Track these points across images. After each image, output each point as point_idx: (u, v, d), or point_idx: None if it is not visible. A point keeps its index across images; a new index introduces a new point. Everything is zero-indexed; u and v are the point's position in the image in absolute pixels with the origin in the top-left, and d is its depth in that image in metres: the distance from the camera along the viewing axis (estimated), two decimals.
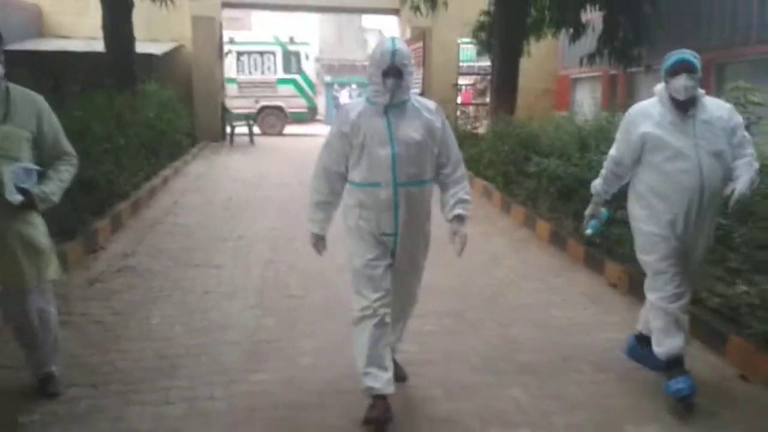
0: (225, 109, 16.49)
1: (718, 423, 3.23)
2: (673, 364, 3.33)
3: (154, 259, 5.99)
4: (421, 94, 14.63)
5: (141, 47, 11.34)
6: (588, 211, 3.80)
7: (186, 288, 5.12)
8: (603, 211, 3.80)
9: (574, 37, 9.93)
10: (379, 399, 3.05)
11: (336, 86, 27.79)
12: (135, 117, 8.67)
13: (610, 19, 9.74)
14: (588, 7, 9.83)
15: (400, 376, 3.45)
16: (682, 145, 3.24)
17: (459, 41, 14.65)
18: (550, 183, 6.37)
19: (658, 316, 3.36)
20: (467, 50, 14.84)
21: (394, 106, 3.07)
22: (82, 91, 8.04)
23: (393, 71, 2.98)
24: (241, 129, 16.66)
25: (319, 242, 3.31)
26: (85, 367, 3.70)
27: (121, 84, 9.61)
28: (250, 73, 19.95)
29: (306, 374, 3.65)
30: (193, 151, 13.24)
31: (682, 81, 3.21)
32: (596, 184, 3.70)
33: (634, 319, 4.52)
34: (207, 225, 7.37)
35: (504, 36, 10.26)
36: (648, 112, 3.37)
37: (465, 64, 15.14)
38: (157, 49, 13.71)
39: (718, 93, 10.17)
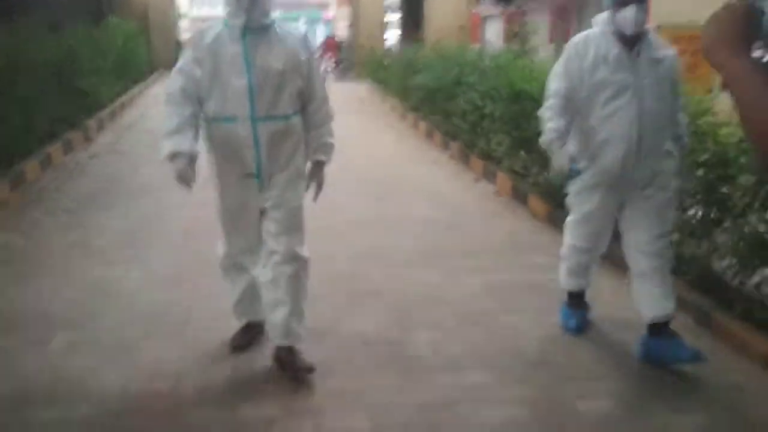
0: (178, 43, 18.41)
1: (501, 223, 5.85)
2: (576, 296, 3.46)
3: (133, 147, 8.34)
4: (350, 27, 16.86)
5: None
6: (558, 161, 3.09)
7: (159, 161, 7.48)
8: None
9: None
10: (248, 326, 3.16)
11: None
12: (108, 45, 10.74)
13: None
14: None
15: (304, 368, 2.85)
16: (625, 83, 2.90)
17: None
18: (419, 90, 8.90)
19: (569, 259, 3.37)
20: None
21: (252, 31, 2.68)
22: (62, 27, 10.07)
23: None
24: None
25: (187, 165, 2.68)
26: (103, 186, 6.11)
27: (94, 19, 11.61)
28: (200, 9, 21.67)
29: None
30: (153, 77, 15.34)
31: (632, 12, 2.82)
32: (551, 127, 3.05)
33: (454, 171, 7.21)
34: None
35: None
36: (591, 43, 2.98)
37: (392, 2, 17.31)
38: None
39: (579, 31, 12.75)
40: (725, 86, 1.16)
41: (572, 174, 3.07)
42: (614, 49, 2.94)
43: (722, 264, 3.63)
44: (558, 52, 12.00)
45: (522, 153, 5.85)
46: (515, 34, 7.65)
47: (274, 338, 2.92)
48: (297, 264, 2.85)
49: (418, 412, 2.69)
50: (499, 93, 6.10)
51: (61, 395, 2.77)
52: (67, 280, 4.01)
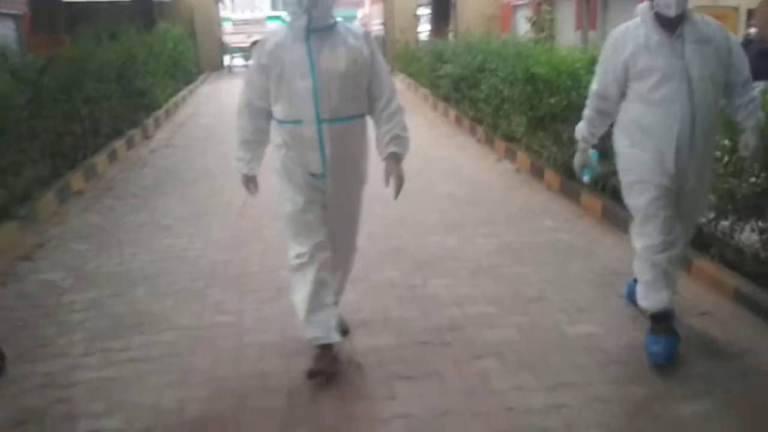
0: (223, 44, 19.44)
1: (489, 178, 6.43)
2: (659, 319, 3.11)
3: (189, 141, 9.16)
4: (383, 24, 17.48)
5: None
6: (577, 162, 3.38)
7: (212, 153, 8.27)
8: (592, 153, 3.37)
9: None
10: (324, 349, 2.95)
11: None
12: (160, 49, 11.65)
13: None
14: None
15: (341, 329, 3.15)
16: (669, 68, 2.86)
17: None
18: (447, 79, 9.47)
19: (645, 269, 3.10)
20: None
21: (316, 32, 2.73)
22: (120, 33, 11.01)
23: None
24: (237, 60, 19.74)
25: (249, 183, 3.02)
26: (163, 175, 6.91)
27: (145, 25, 12.54)
28: (242, 12, 22.66)
29: None
30: (200, 78, 16.29)
31: None
32: (580, 128, 3.27)
33: (478, 153, 7.78)
34: (218, 123, 10.47)
35: None
36: (630, 35, 2.97)
37: None
38: None
39: (604, 18, 13.09)
40: None
41: (587, 176, 3.41)
42: (654, 35, 2.91)
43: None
44: (584, 38, 12.59)
45: (538, 132, 6.38)
46: (534, 22, 8.14)
47: None
48: (352, 255, 3.24)
49: (433, 333, 3.34)
50: (516, 77, 6.64)
51: (148, 327, 3.50)
52: (142, 249, 4.76)
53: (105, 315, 3.68)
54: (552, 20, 7.90)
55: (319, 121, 2.77)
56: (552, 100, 5.76)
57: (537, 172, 6.46)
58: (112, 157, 7.70)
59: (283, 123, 2.84)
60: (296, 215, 2.91)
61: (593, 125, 3.22)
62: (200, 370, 3.07)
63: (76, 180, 6.47)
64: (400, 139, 2.89)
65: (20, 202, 5.37)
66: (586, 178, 3.47)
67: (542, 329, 3.38)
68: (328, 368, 2.91)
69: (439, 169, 7.02)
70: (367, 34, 2.93)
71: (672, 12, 2.82)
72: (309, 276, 2.90)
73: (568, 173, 5.81)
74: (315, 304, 2.91)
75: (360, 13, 25.44)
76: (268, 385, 2.93)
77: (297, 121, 2.79)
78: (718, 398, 2.76)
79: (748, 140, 3.08)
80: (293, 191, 2.89)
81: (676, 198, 3.05)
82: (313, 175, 2.87)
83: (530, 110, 6.36)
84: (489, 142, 8.05)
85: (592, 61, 5.47)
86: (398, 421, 2.65)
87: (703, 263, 3.89)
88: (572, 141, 5.46)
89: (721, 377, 2.91)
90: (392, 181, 2.89)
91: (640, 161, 3.01)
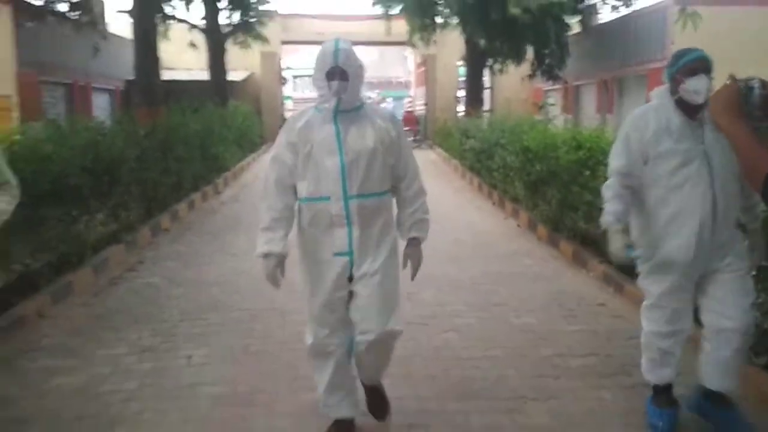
0: (284, 119, 21.81)
1: (492, 231, 7.87)
2: (661, 390, 3.15)
3: (250, 197, 10.94)
4: (426, 104, 19.46)
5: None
6: (615, 245, 3.03)
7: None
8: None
9: (517, 64, 14.64)
10: (339, 422, 3.07)
11: (372, 100, 32.77)
12: (231, 122, 13.77)
13: (538, 52, 14.39)
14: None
15: (382, 410, 3.22)
16: (690, 152, 2.84)
17: (458, 63, 19.41)
18: (471, 152, 11.10)
19: (649, 347, 3.12)
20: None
21: (344, 113, 2.81)
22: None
23: (337, 72, 2.74)
24: None
25: (277, 267, 2.92)
26: (231, 221, 8.61)
27: (220, 102, 14.79)
28: (302, 92, 25.26)
29: None
30: (263, 147, 18.48)
31: (703, 82, 2.77)
32: (610, 211, 3.03)
33: (491, 213, 9.28)
34: None
35: (470, 62, 15.05)
36: (651, 117, 2.95)
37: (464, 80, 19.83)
38: (237, 76, 19.09)
39: (620, 103, 14.65)
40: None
41: (630, 260, 3.06)
42: (676, 118, 2.90)
43: None
44: (602, 119, 14.54)
45: (532, 194, 7.84)
46: (540, 106, 9.74)
47: (360, 376, 3.18)
48: (392, 339, 2.99)
49: (417, 318, 4.76)
50: (516, 149, 8.18)
51: (222, 309, 5.06)
52: (215, 267, 6.38)
53: (190, 301, 5.26)
54: (553, 105, 9.45)
55: (347, 197, 2.81)
56: (539, 167, 7.24)
57: (532, 227, 7.87)
58: (191, 206, 9.51)
59: (309, 200, 2.87)
60: (317, 299, 2.93)
61: (624, 201, 3.03)
62: (257, 330, 4.60)
63: (164, 220, 8.24)
64: (423, 223, 3.00)
65: (126, 231, 7.12)
66: (634, 254, 3.09)
67: (495, 320, 4.77)
68: None
69: (455, 223, 8.51)
70: (393, 116, 3.09)
71: (700, 99, 2.81)
72: (328, 364, 2.98)
73: (555, 226, 7.23)
74: (334, 387, 3.02)
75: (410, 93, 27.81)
76: (302, 338, 4.38)
77: (324, 198, 2.83)
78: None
79: (755, 243, 3.08)
80: (315, 273, 2.92)
81: (696, 285, 3.01)
82: (339, 254, 2.86)
83: (526, 176, 7.85)
84: (501, 204, 9.52)
85: (572, 137, 7.02)
86: None
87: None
88: (555, 200, 6.93)
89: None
90: (410, 263, 3.01)
91: (660, 246, 2.96)
